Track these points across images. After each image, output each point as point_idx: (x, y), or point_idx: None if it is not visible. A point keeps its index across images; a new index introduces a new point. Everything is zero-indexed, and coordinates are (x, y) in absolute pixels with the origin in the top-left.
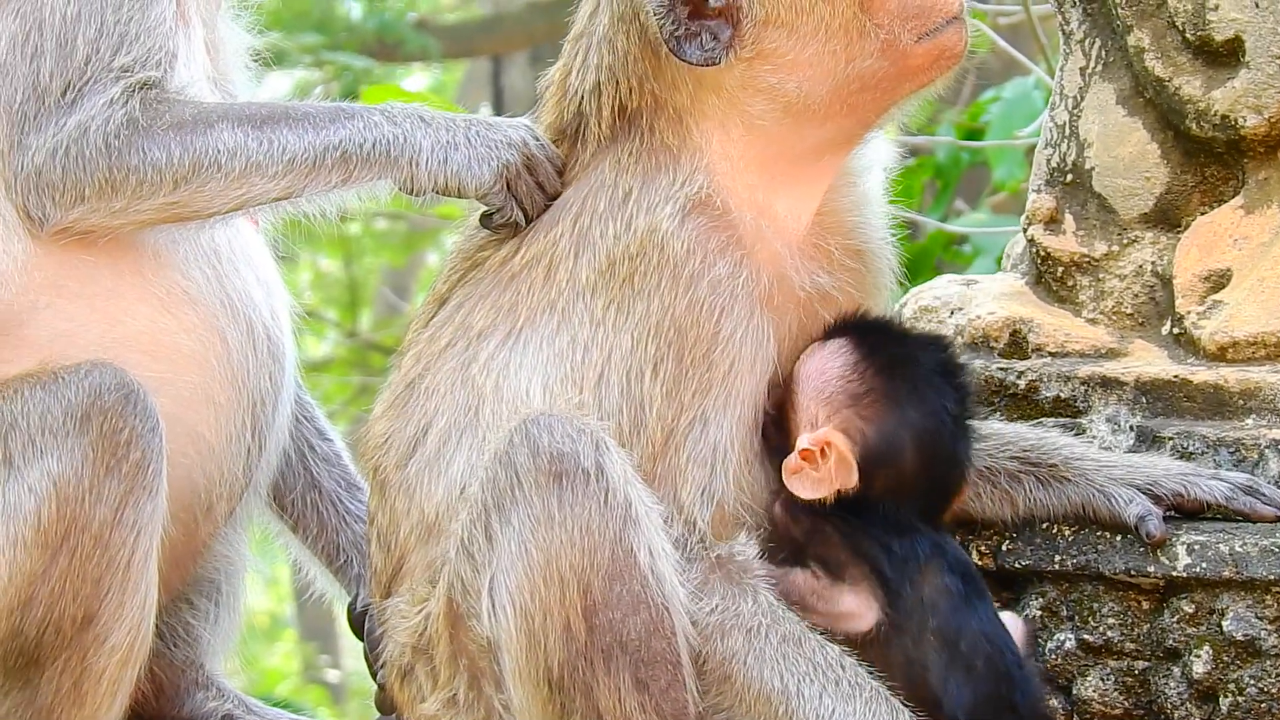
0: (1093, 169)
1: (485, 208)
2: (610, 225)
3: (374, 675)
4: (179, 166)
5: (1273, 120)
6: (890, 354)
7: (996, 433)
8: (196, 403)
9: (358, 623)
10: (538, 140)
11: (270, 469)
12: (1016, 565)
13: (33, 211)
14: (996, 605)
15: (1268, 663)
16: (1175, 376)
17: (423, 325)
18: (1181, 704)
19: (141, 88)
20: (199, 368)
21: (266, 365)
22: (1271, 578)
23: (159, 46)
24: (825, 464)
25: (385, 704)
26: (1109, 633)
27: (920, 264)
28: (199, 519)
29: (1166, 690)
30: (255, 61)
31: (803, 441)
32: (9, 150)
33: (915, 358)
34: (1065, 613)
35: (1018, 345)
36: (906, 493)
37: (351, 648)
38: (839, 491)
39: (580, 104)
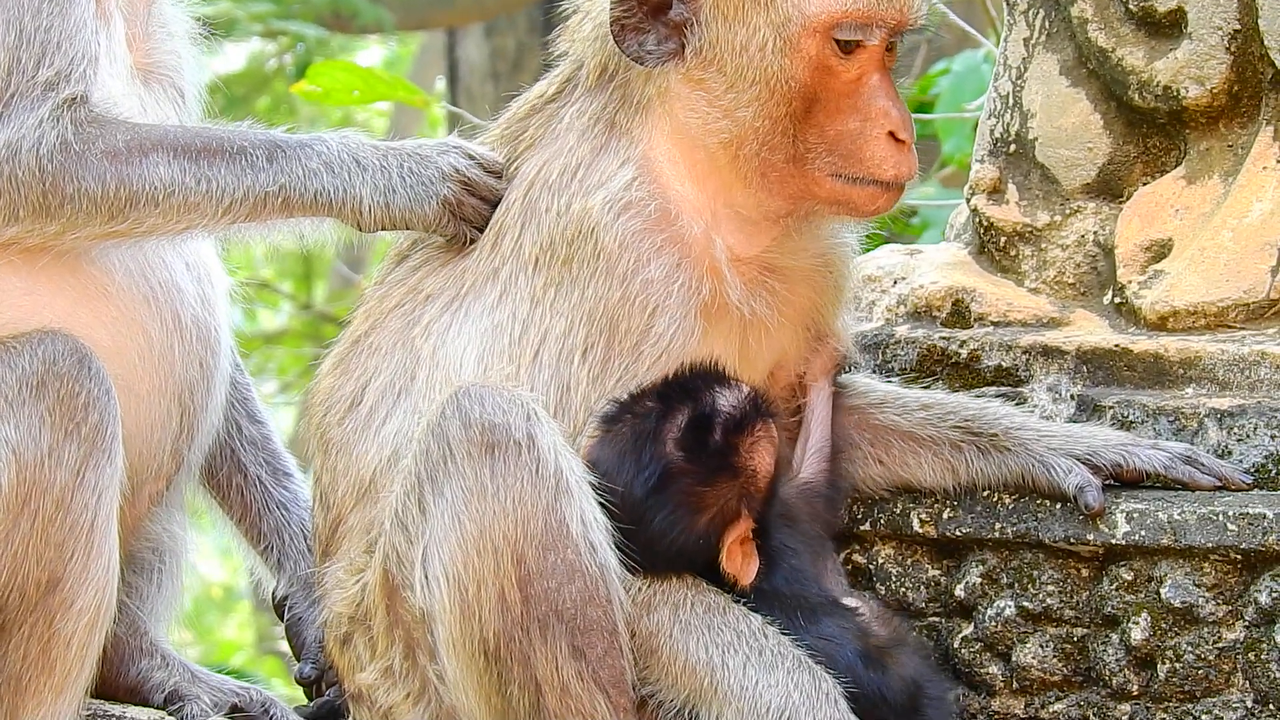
0: (1036, 139)
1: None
2: (555, 201)
3: (298, 659)
4: (114, 200)
5: (1214, 91)
6: (652, 400)
7: (939, 402)
8: (116, 393)
9: (279, 608)
10: (470, 159)
11: (202, 451)
12: (957, 533)
13: None
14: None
15: (1204, 630)
16: (1116, 346)
17: (378, 282)
18: (1119, 670)
19: (70, 105)
20: (117, 360)
21: (196, 353)
22: (1209, 545)
23: (81, 54)
24: None
25: (309, 686)
26: (1048, 600)
27: (870, 236)
28: (124, 500)
29: (1105, 657)
30: (205, 35)
31: None
32: None
33: (656, 420)
34: (1005, 580)
35: (960, 315)
36: (652, 542)
37: None
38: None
39: (579, 50)
